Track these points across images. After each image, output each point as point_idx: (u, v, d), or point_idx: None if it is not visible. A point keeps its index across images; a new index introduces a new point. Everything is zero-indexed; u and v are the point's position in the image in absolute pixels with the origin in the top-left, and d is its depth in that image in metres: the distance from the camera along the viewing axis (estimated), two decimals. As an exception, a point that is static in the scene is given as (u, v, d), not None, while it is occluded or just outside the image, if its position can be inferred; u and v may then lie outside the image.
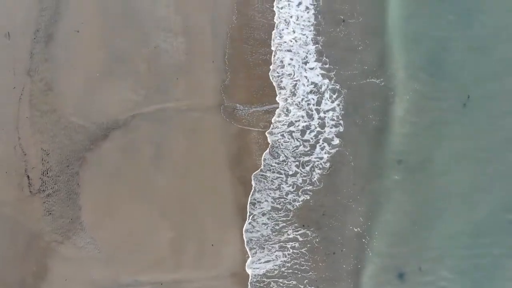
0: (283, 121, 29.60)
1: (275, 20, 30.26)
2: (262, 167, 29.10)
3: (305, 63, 30.18)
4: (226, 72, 29.70)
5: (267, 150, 29.15)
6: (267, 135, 29.20)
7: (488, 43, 30.43)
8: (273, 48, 30.01)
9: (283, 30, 30.28)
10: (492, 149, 29.63)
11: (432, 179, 29.51)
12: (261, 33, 30.19)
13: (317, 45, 30.30)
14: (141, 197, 28.52)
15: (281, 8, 30.57)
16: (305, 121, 29.89)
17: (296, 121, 29.74)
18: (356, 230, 29.16)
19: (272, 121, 29.37)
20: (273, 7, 30.39)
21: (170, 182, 28.60)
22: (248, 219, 28.63)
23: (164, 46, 29.61)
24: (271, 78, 29.65)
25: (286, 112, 29.70)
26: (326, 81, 29.99)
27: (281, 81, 29.88)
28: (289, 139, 29.62)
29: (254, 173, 29.00)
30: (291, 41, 30.29)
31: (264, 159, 29.25)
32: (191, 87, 29.45)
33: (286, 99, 29.84)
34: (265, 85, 29.82)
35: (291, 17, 30.42)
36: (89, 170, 28.67)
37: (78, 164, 28.74)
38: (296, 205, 29.33)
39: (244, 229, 28.63)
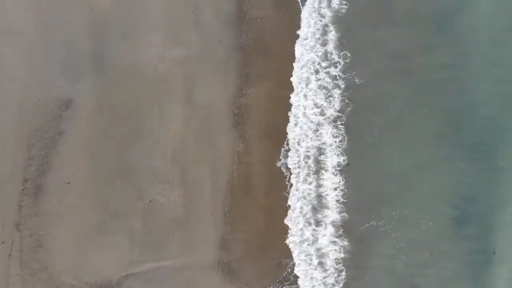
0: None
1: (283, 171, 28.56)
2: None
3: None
4: (225, 225, 27.95)
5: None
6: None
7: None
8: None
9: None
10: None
11: None
12: (264, 182, 28.33)
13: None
14: None
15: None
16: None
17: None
18: None
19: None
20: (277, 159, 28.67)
21: None
22: None
23: (160, 199, 27.86)
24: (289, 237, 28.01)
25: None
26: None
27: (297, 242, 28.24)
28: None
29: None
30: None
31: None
32: (188, 243, 27.75)
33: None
34: (270, 238, 28.11)
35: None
36: (82, 333, 27.54)
37: (70, 327, 27.60)
38: None
39: None
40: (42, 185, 28.00)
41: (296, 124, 28.79)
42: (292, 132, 28.63)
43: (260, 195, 28.19)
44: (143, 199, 27.85)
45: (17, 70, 28.51)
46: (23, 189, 28.03)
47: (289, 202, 28.14)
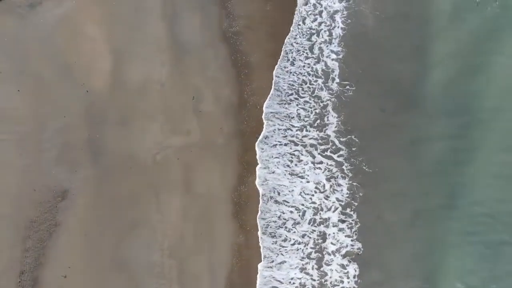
0: None
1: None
2: None
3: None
4: (225, 325, 27.22)
5: None
6: None
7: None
8: None
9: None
10: None
11: None
12: None
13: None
14: None
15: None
16: None
17: None
18: None
19: None
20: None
21: None
22: None
23: (158, 295, 27.26)
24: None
25: None
26: None
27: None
28: None
29: None
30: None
31: None
32: None
33: None
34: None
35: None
36: None
37: None
38: None
39: None
40: (38, 277, 27.29)
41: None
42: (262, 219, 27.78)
43: (262, 289, 27.44)
44: (140, 295, 27.24)
45: (11, 158, 27.68)
46: (19, 282, 27.40)
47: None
